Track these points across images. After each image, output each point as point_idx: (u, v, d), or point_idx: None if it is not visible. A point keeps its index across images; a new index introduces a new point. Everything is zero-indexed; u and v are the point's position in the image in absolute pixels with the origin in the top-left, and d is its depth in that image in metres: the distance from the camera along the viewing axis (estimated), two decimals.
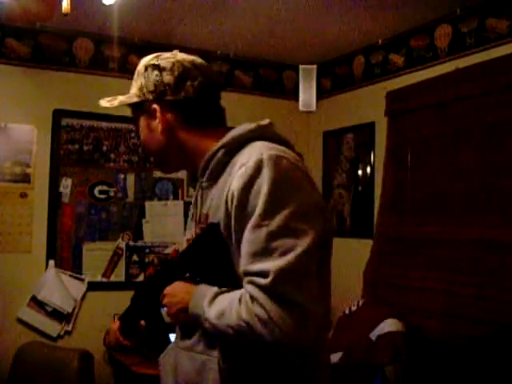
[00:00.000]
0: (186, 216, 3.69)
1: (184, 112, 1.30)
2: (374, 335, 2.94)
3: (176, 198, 3.77)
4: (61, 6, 2.36)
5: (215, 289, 1.16)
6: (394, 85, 3.44)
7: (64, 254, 3.46)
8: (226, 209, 1.16)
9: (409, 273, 3.22)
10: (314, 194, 1.21)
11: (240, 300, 1.10)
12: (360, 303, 3.28)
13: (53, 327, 3.37)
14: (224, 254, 1.18)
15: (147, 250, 3.67)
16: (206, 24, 3.34)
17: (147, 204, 3.69)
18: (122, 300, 3.65)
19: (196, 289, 1.20)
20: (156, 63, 1.31)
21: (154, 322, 1.34)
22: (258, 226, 1.10)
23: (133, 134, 3.68)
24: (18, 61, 3.38)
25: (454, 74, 3.03)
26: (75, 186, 3.51)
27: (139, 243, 3.66)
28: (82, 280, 3.47)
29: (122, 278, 3.58)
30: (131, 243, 3.63)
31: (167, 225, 3.72)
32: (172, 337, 1.40)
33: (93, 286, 3.48)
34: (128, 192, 3.66)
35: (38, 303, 3.35)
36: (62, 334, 3.40)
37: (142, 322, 1.42)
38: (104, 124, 3.60)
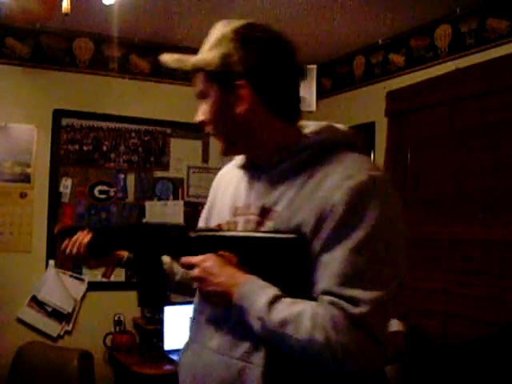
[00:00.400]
0: (186, 216, 3.70)
1: (269, 95, 1.16)
2: None
3: (176, 197, 3.77)
4: (61, 5, 2.36)
5: (275, 289, 1.07)
6: (394, 85, 3.44)
7: None
8: (320, 217, 1.06)
9: (409, 273, 3.21)
10: (404, 223, 1.17)
11: (313, 318, 1.01)
12: None
13: (53, 327, 3.37)
14: (304, 269, 1.08)
15: None
16: (206, 24, 3.32)
17: (147, 204, 3.69)
18: (122, 300, 3.67)
19: (246, 278, 1.09)
20: (253, 35, 1.16)
21: (149, 265, 1.26)
22: (358, 249, 1.03)
23: (133, 134, 3.68)
24: (18, 61, 3.38)
25: (453, 74, 3.03)
26: (75, 186, 3.51)
27: None
28: (82, 280, 3.47)
29: (122, 278, 3.57)
30: None
31: None
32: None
33: (93, 286, 3.48)
34: (128, 192, 3.66)
35: (37, 303, 3.35)
36: (61, 334, 3.40)
37: (123, 253, 1.35)
38: (104, 124, 3.60)
